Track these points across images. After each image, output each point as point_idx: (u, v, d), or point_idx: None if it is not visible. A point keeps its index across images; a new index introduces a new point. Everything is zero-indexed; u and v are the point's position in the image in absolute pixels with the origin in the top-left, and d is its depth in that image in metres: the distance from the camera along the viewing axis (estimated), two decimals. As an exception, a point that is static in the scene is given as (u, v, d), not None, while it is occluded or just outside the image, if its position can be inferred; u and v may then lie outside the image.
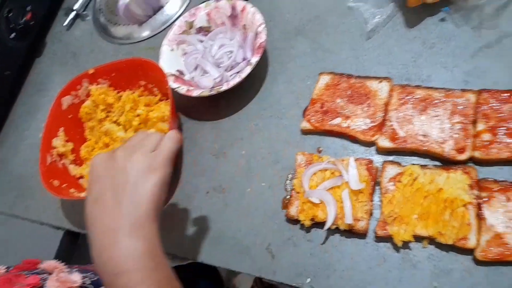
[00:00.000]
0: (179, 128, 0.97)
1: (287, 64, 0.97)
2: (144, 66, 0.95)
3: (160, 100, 0.98)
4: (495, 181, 0.72)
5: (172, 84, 0.93)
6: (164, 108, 0.93)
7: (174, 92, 0.93)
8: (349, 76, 0.89)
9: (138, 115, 0.93)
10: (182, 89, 0.92)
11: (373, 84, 0.86)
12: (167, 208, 0.90)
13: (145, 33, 1.18)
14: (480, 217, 0.70)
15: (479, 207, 0.71)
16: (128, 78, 0.98)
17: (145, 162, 0.61)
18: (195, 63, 0.99)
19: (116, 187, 0.59)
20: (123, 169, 0.60)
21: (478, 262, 0.69)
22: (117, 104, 0.97)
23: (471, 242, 0.69)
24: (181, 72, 0.99)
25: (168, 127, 0.84)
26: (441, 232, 0.70)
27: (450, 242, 0.69)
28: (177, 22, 1.02)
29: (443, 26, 0.89)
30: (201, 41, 1.02)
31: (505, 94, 0.77)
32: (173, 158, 0.65)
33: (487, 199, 0.71)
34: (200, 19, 1.02)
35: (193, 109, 1.00)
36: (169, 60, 0.99)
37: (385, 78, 0.86)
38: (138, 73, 0.97)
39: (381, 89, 0.85)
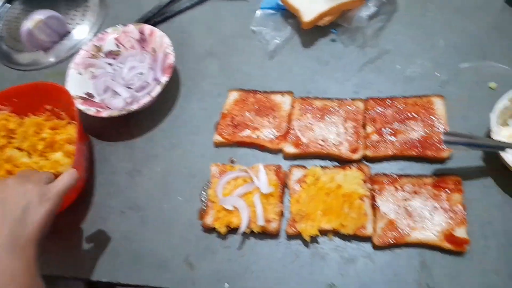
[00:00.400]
0: (90, 149, 0.96)
1: (199, 83, 1.02)
2: (49, 90, 0.92)
3: (68, 123, 0.96)
4: (385, 175, 0.82)
5: (80, 106, 0.92)
6: (71, 130, 0.91)
7: (84, 115, 0.92)
8: (256, 91, 0.96)
9: (43, 139, 0.90)
10: (91, 111, 0.92)
11: (277, 98, 0.94)
12: (80, 232, 0.87)
13: (52, 59, 1.15)
14: (374, 207, 0.79)
15: (373, 198, 0.80)
16: (32, 103, 0.94)
17: (40, 191, 0.65)
18: (105, 85, 0.99)
19: (4, 208, 0.62)
20: (15, 194, 0.64)
21: (377, 247, 0.77)
22: (20, 129, 0.92)
23: (368, 230, 0.77)
24: (90, 95, 0.98)
25: (75, 148, 0.82)
26: (342, 224, 0.77)
27: (351, 232, 0.76)
28: (84, 47, 1.02)
29: (334, 46, 1.01)
30: (111, 64, 1.03)
31: (388, 101, 0.89)
32: (66, 192, 0.70)
33: (379, 191, 0.80)
34: (109, 43, 1.04)
35: (106, 131, 0.99)
36: (76, 83, 0.98)
37: (288, 92, 0.94)
38: (43, 98, 0.93)
39: (284, 102, 0.93)
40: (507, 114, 0.83)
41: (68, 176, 0.71)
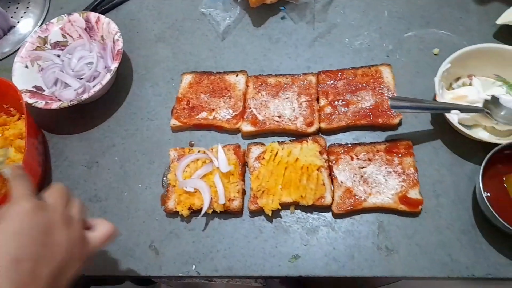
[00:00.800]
0: (43, 144, 0.93)
1: (152, 69, 1.01)
2: (-5, 86, 0.89)
3: (19, 119, 0.93)
4: (340, 145, 0.84)
5: (28, 99, 0.89)
6: (21, 125, 0.88)
7: (36, 109, 0.89)
8: (209, 73, 0.96)
9: (-9, 136, 0.87)
10: (40, 104, 0.89)
11: (231, 78, 0.94)
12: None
13: (-5, 55, 1.11)
14: (332, 177, 0.81)
15: (330, 169, 0.82)
16: (-23, 101, 0.91)
17: (82, 246, 0.57)
18: (54, 77, 0.96)
19: (47, 243, 0.52)
20: (60, 235, 0.54)
21: (336, 216, 0.79)
22: (-34, 128, 0.89)
23: (327, 200, 0.79)
24: (39, 88, 0.95)
25: (26, 143, 0.80)
26: (302, 195, 0.79)
27: (310, 202, 0.78)
28: (28, 39, 0.98)
29: (284, 23, 1.02)
30: (58, 56, 1.00)
31: (339, 73, 0.91)
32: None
33: (335, 161, 0.82)
34: (54, 34, 1.00)
35: (59, 124, 0.97)
36: (23, 77, 0.94)
37: (241, 72, 0.95)
38: (-11, 94, 0.90)
39: (239, 81, 0.93)
40: (451, 78, 0.87)
41: (108, 232, 0.63)
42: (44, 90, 0.96)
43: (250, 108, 0.90)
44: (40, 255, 0.51)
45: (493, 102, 0.79)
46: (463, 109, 0.78)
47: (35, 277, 0.49)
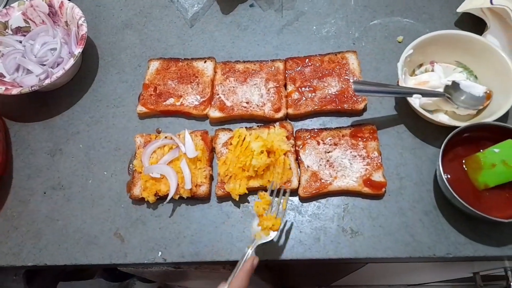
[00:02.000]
0: (4, 131, 0.90)
1: (118, 56, 0.99)
2: (-48, 71, 0.86)
3: (-21, 107, 0.90)
4: (307, 130, 0.85)
5: (-13, 85, 0.86)
6: (-19, 112, 0.85)
7: (-4, 97, 0.87)
8: (177, 59, 0.95)
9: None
10: (0, 89, 0.86)
11: (199, 64, 0.94)
12: (0, 218, 0.83)
13: (-45, 41, 1.06)
14: (299, 161, 0.82)
15: (296, 153, 0.83)
16: None
17: None
18: (16, 63, 0.93)
19: None
20: None
21: (303, 199, 0.80)
22: None
23: (294, 184, 0.80)
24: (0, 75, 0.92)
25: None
26: (269, 180, 0.79)
27: (277, 187, 0.79)
28: (-13, 23, 0.95)
29: (253, 11, 1.02)
30: (20, 41, 0.97)
31: (305, 60, 0.91)
32: None
33: (302, 146, 0.83)
34: (16, 19, 0.97)
35: (21, 112, 0.94)
36: (-18, 63, 0.91)
37: (209, 58, 0.94)
38: None
39: (207, 67, 0.93)
40: (414, 64, 0.89)
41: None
42: (5, 77, 0.93)
43: (218, 94, 0.89)
44: None
45: (454, 87, 0.82)
46: (425, 93, 0.80)
47: None
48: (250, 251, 0.69)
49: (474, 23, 0.91)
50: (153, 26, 1.02)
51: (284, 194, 0.76)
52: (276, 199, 0.75)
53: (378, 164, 0.80)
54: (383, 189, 0.78)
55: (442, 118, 0.82)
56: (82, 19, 0.92)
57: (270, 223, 0.71)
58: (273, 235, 0.71)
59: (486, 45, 0.83)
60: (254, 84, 0.90)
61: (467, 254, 0.74)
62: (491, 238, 0.74)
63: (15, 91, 0.85)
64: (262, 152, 0.79)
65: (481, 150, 0.75)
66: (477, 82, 0.86)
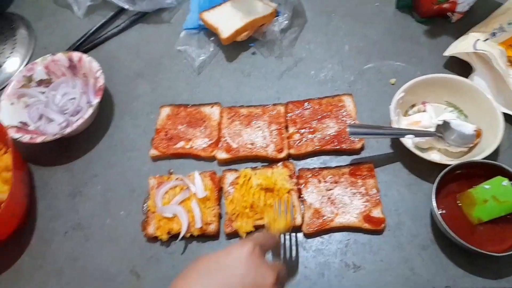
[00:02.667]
0: (28, 176, 0.97)
1: (131, 104, 1.07)
2: (-18, 122, 0.94)
3: (5, 153, 0.97)
4: (308, 169, 0.91)
5: (14, 134, 0.94)
6: (7, 158, 0.92)
7: (19, 143, 0.94)
8: (186, 105, 1.03)
9: (-21, 169, 0.91)
10: (25, 138, 0.94)
11: (206, 110, 1.01)
12: (25, 258, 0.89)
13: (-17, 94, 1.16)
14: (301, 200, 0.87)
15: (299, 191, 0.88)
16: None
17: None
18: (39, 113, 1.02)
19: None
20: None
21: (306, 235, 0.85)
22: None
23: (298, 221, 0.85)
24: (24, 124, 1.00)
25: (12, 175, 0.84)
26: (274, 218, 0.84)
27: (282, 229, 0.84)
28: (14, 78, 1.04)
29: (255, 58, 1.10)
30: (43, 93, 1.06)
31: (305, 103, 0.98)
32: None
33: (304, 184, 0.89)
34: (39, 73, 1.06)
35: (44, 157, 1.01)
36: (9, 114, 1.00)
37: (215, 103, 1.02)
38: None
39: (213, 112, 1.00)
40: (407, 105, 0.95)
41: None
42: (29, 125, 1.01)
43: (225, 137, 0.96)
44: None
45: (445, 126, 0.88)
46: (417, 133, 0.86)
47: None
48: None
49: (462, 65, 0.98)
50: (163, 75, 1.11)
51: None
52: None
53: (377, 200, 0.85)
54: (382, 225, 0.83)
55: (434, 157, 0.87)
56: (99, 71, 1.01)
57: (283, 222, 0.78)
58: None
59: (472, 87, 0.89)
60: (258, 127, 0.96)
61: (466, 287, 0.77)
62: (488, 270, 0.78)
63: (39, 139, 0.93)
64: (261, 189, 0.85)
65: (474, 186, 0.80)
66: (467, 121, 0.91)
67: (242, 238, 0.84)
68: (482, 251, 0.73)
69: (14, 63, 1.21)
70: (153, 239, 0.87)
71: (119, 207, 0.93)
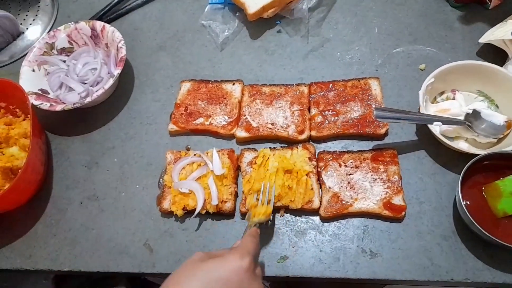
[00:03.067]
0: (46, 144, 0.97)
1: (152, 76, 1.06)
2: (3, 87, 0.94)
3: (24, 120, 0.97)
4: (329, 152, 0.88)
5: (34, 101, 0.93)
6: (26, 125, 0.93)
7: (39, 110, 0.94)
8: (207, 81, 1.01)
9: (-3, 134, 0.91)
10: (45, 105, 0.93)
11: (227, 86, 0.99)
12: (40, 225, 0.89)
13: (5, 59, 1.16)
14: (320, 182, 0.85)
15: (318, 174, 0.86)
16: (-14, 101, 0.96)
17: None
18: (59, 81, 1.01)
19: None
20: None
21: (324, 219, 0.83)
22: (-26, 126, 0.93)
23: (315, 204, 0.83)
24: (44, 91, 1.00)
25: (30, 142, 0.84)
26: (291, 199, 0.83)
27: (299, 206, 0.82)
28: (36, 44, 1.03)
29: (280, 36, 1.07)
30: (64, 61, 1.05)
31: (329, 85, 0.96)
32: None
33: (324, 167, 0.86)
34: (61, 41, 1.05)
35: (62, 126, 1.01)
36: (30, 80, 0.99)
37: (237, 81, 0.99)
38: (-3, 95, 0.95)
39: (235, 89, 0.98)
40: (435, 92, 0.91)
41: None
42: (49, 93, 1.00)
43: (245, 115, 0.94)
44: None
45: (474, 115, 0.84)
46: (446, 121, 0.83)
47: None
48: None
49: (496, 53, 0.93)
50: (185, 49, 1.09)
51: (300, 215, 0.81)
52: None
53: (399, 188, 0.82)
54: (403, 213, 0.80)
55: (462, 145, 0.84)
56: (122, 42, 0.99)
57: (263, 210, 0.77)
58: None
59: (507, 76, 0.85)
60: (279, 107, 0.94)
61: (485, 280, 0.75)
62: (509, 265, 0.75)
63: (59, 107, 0.92)
64: (277, 171, 0.84)
65: (501, 178, 0.77)
66: (498, 111, 0.88)
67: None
68: (506, 244, 0.70)
69: (36, 31, 1.20)
70: (168, 214, 0.86)
71: (135, 180, 0.92)
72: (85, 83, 1.00)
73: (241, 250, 0.63)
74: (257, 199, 0.81)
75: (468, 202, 0.77)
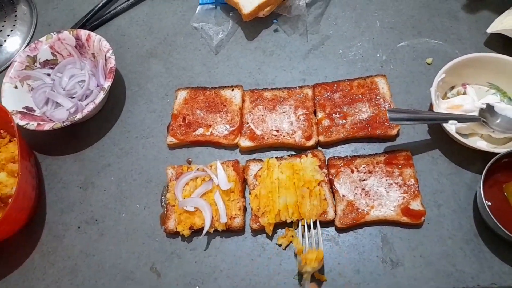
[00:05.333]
0: (36, 166, 0.90)
1: (145, 85, 0.99)
2: (-17, 108, 0.87)
3: (10, 141, 0.90)
4: (339, 158, 0.84)
5: (19, 121, 0.86)
6: (13, 148, 0.86)
7: (25, 130, 0.87)
8: (204, 88, 0.95)
9: (-18, 161, 0.84)
10: (32, 125, 0.86)
11: (227, 93, 0.93)
12: (36, 254, 0.83)
13: (-17, 75, 1.08)
14: (333, 191, 0.81)
15: (331, 182, 0.81)
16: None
17: None
18: (45, 97, 0.94)
19: None
20: None
21: (340, 230, 0.79)
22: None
23: (330, 215, 0.78)
24: (30, 109, 0.93)
25: (19, 166, 0.77)
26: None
27: (314, 219, 0.78)
28: (16, 58, 0.96)
29: (277, 36, 1.02)
30: (48, 75, 0.97)
31: (334, 85, 0.91)
32: None
33: (336, 174, 0.82)
34: (44, 53, 0.98)
35: (51, 145, 0.94)
36: (13, 98, 0.92)
37: (237, 86, 0.94)
38: (-22, 117, 0.88)
39: (235, 96, 0.93)
40: (446, 87, 0.87)
41: None
42: (35, 111, 0.93)
43: (248, 123, 0.89)
44: None
45: (489, 110, 0.80)
46: (461, 119, 0.79)
47: None
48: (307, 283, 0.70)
49: (505, 43, 0.90)
50: (178, 54, 1.02)
51: (314, 227, 0.76)
52: (308, 232, 0.75)
53: (416, 192, 0.78)
54: (422, 218, 0.77)
55: (480, 144, 0.80)
56: (110, 51, 0.92)
57: (314, 255, 0.71)
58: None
59: (521, 67, 0.81)
60: (284, 112, 0.89)
61: (513, 284, 0.72)
62: (536, 265, 0.72)
63: (47, 126, 0.86)
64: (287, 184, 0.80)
65: (523, 176, 0.74)
66: (511, 104, 0.84)
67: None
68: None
69: (15, 42, 1.12)
70: (174, 234, 0.81)
71: (135, 199, 0.86)
72: (73, 97, 0.94)
73: None
74: (301, 241, 0.75)
75: (489, 203, 0.73)
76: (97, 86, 0.95)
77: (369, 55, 0.96)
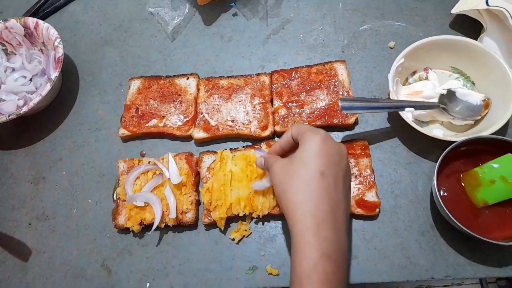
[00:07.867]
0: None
1: (99, 75, 0.95)
2: None
3: (-42, 136, 0.87)
4: (295, 149, 0.81)
5: (-37, 115, 0.83)
6: (-42, 143, 0.83)
7: (-29, 125, 0.84)
8: (159, 77, 0.91)
9: None
10: (-23, 120, 0.83)
11: (181, 82, 0.90)
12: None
13: None
14: (287, 183, 0.78)
15: (285, 174, 0.79)
16: None
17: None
18: (-8, 89, 0.90)
19: (340, 176, 0.62)
20: (345, 168, 0.63)
21: (293, 223, 0.76)
22: None
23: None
24: (-24, 102, 0.90)
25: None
26: (257, 205, 0.76)
27: (266, 212, 0.75)
28: (-39, 48, 0.92)
29: (236, 20, 0.97)
30: (-3, 65, 0.94)
31: (292, 72, 0.87)
32: None
33: (290, 165, 0.79)
34: (-9, 42, 0.94)
35: (2, 139, 0.91)
36: (-42, 91, 0.88)
37: (192, 74, 0.90)
38: None
39: (190, 85, 0.89)
40: (407, 72, 0.84)
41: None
42: (-20, 104, 0.90)
43: (202, 113, 0.85)
44: (336, 171, 0.61)
45: (449, 96, 0.77)
46: (418, 106, 0.76)
47: (337, 188, 0.60)
48: None
49: (471, 24, 0.86)
50: (133, 42, 0.98)
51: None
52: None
53: (371, 182, 0.76)
54: (377, 210, 0.74)
55: (436, 132, 0.77)
56: (58, 40, 0.88)
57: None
58: None
59: (482, 50, 0.77)
60: (239, 101, 0.86)
61: (467, 276, 0.70)
62: (491, 258, 0.70)
63: (-8, 120, 0.82)
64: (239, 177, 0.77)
65: (480, 165, 0.71)
66: (475, 89, 0.81)
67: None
68: (486, 239, 0.65)
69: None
70: (125, 230, 0.79)
71: (87, 195, 0.84)
72: (20, 90, 0.90)
73: (312, 133, 0.62)
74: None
75: (445, 194, 0.71)
76: (47, 77, 0.91)
77: (330, 39, 0.92)
